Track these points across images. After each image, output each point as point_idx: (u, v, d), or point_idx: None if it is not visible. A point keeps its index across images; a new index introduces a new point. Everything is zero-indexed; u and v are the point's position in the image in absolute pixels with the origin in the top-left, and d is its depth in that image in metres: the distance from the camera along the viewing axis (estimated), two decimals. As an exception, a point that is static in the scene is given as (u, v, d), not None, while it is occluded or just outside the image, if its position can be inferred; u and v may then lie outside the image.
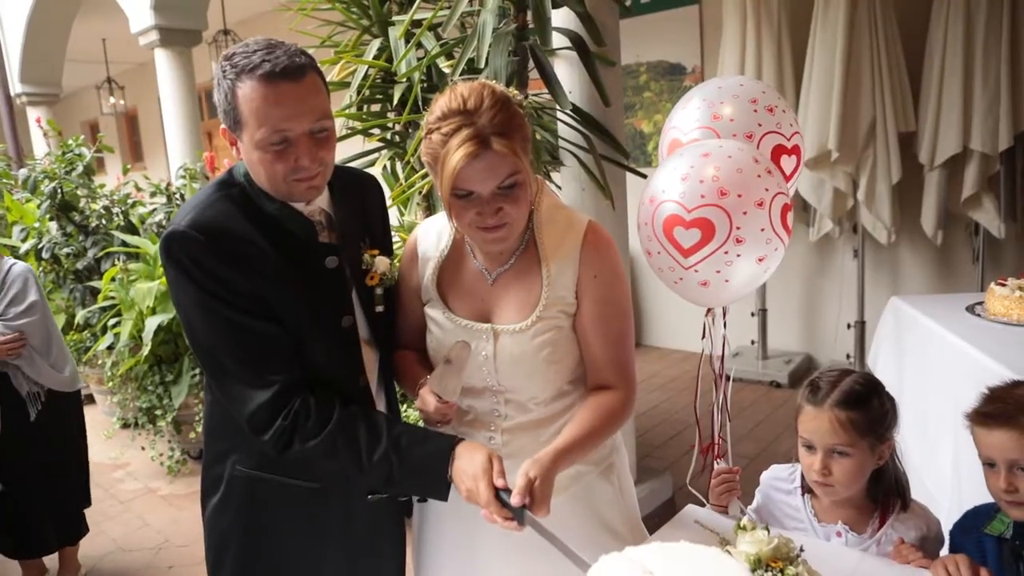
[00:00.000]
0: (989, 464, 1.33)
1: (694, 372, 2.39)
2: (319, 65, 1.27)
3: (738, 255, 1.78)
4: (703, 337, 2.15)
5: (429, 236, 1.47)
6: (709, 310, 2.12)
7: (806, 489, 1.53)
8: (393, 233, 3.02)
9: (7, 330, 2.60)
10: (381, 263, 1.40)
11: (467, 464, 1.17)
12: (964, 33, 3.69)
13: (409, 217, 2.80)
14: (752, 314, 4.82)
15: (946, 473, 2.08)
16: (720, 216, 1.75)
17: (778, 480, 1.60)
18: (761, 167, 1.83)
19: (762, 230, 1.77)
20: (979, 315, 2.40)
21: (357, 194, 1.45)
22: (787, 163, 2.03)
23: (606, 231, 1.40)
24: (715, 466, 1.69)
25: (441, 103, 1.24)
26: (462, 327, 1.38)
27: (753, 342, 4.89)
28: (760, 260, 1.82)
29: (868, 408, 1.41)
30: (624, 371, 1.39)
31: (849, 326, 4.48)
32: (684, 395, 2.42)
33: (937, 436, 2.18)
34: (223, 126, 1.25)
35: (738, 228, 1.75)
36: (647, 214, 1.89)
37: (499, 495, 1.13)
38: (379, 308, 1.42)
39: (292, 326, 1.27)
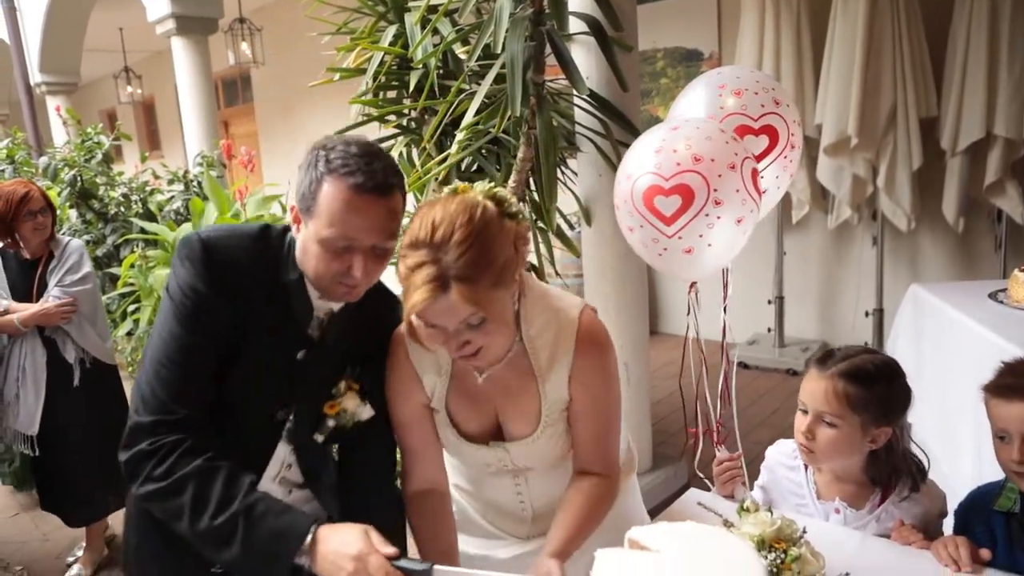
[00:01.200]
0: (1000, 437, 1.33)
1: (709, 360, 2.38)
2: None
3: (718, 217, 1.84)
4: (688, 313, 2.16)
5: (425, 359, 1.35)
6: (692, 286, 2.15)
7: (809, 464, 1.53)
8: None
9: (63, 295, 2.78)
10: (350, 401, 1.32)
11: (338, 545, 1.06)
12: (989, 16, 3.62)
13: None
14: (769, 302, 4.79)
15: (966, 460, 2.06)
16: (697, 180, 1.82)
17: (783, 455, 1.60)
18: (727, 135, 1.93)
19: (737, 191, 1.85)
20: (1002, 302, 2.37)
21: (375, 311, 1.35)
22: (755, 142, 2.08)
23: (598, 322, 1.34)
24: (716, 454, 1.69)
25: (414, 226, 1.15)
26: (475, 454, 1.38)
27: (770, 330, 4.86)
28: (739, 221, 1.88)
29: (870, 388, 1.39)
30: (607, 459, 1.38)
31: (867, 314, 4.44)
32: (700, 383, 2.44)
33: (957, 424, 2.16)
34: (294, 203, 1.23)
35: (715, 190, 1.82)
36: (625, 191, 1.93)
37: (395, 564, 1.05)
38: (318, 437, 1.33)
39: (230, 384, 1.23)
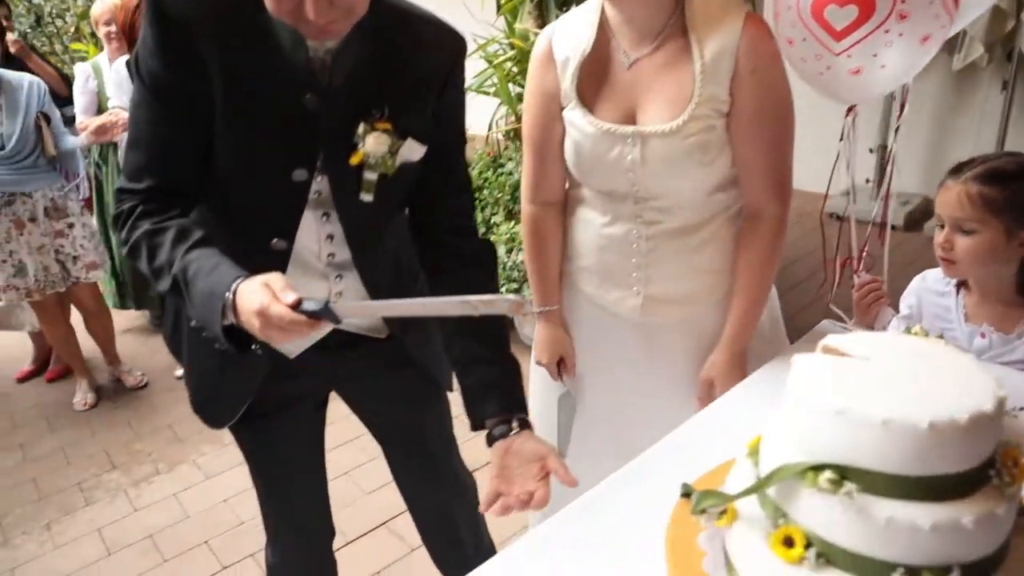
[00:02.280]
0: None
1: (812, 214, 2.25)
2: None
3: (900, 34, 1.59)
4: (841, 140, 2.00)
5: (565, 37, 1.35)
6: (851, 109, 1.96)
7: (961, 287, 1.46)
8: (505, 40, 2.83)
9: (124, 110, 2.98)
10: (374, 143, 1.10)
11: (247, 302, 0.97)
12: None
13: (520, 25, 2.62)
14: (871, 150, 4.46)
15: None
16: None
17: (934, 281, 1.52)
18: None
19: (931, 3, 1.57)
20: None
21: (410, 49, 1.13)
22: None
23: (767, 23, 1.25)
24: (855, 280, 1.60)
25: None
26: (604, 131, 1.28)
27: (868, 180, 4.57)
28: (924, 40, 1.62)
29: (1008, 186, 1.28)
30: (778, 182, 1.31)
31: (982, 167, 4.10)
32: (795, 232, 2.30)
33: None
34: None
35: (902, 2, 1.55)
36: None
37: (298, 310, 0.96)
38: (366, 197, 1.14)
39: (235, 142, 1.10)
